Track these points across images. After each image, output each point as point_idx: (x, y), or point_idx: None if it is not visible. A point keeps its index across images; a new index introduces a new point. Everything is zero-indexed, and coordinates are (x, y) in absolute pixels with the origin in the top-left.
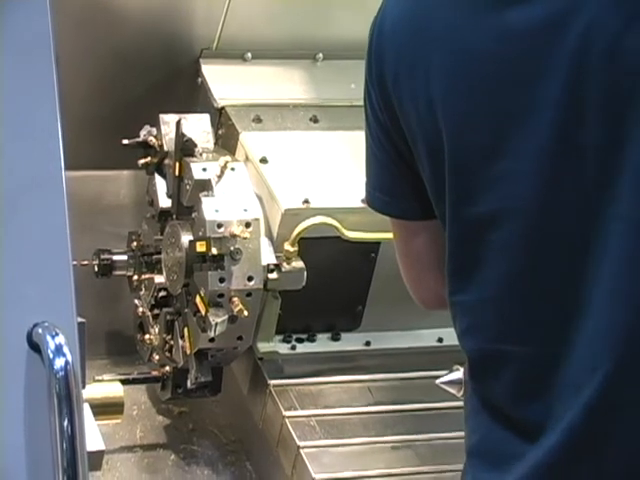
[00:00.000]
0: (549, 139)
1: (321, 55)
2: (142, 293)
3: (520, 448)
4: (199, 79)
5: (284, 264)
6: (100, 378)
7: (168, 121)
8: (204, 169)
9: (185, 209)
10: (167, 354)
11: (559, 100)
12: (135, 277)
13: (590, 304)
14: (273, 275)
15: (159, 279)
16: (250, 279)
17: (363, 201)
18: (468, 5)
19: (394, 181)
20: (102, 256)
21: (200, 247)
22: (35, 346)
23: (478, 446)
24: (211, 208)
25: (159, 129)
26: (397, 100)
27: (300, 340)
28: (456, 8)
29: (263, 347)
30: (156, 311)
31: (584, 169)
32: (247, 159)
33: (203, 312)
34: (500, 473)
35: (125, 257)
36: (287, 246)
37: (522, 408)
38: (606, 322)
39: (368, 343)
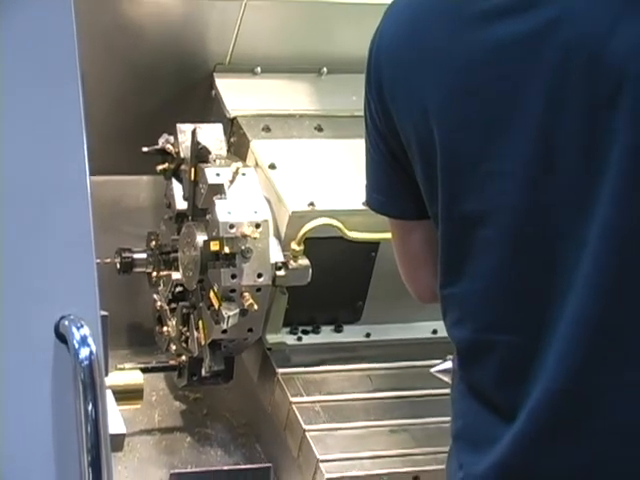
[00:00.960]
0: (532, 143)
1: (325, 69)
2: (160, 288)
3: (498, 430)
4: (213, 91)
5: (291, 262)
6: (122, 367)
7: (184, 130)
8: (217, 174)
9: (200, 211)
10: (183, 345)
11: (542, 106)
12: (154, 274)
13: (567, 297)
14: (281, 272)
15: (176, 276)
16: (260, 276)
17: (364, 203)
18: (457, 22)
19: (391, 183)
20: (123, 254)
21: (214, 246)
22: (62, 337)
23: (462, 430)
24: (224, 210)
25: (176, 138)
26: (394, 109)
27: (306, 332)
28: (446, 25)
29: (271, 338)
30: (173, 305)
31: (565, 172)
32: (257, 165)
33: (216, 306)
34: (480, 454)
35: (144, 255)
36: (294, 245)
37: (503, 393)
38: (579, 313)
39: (368, 335)
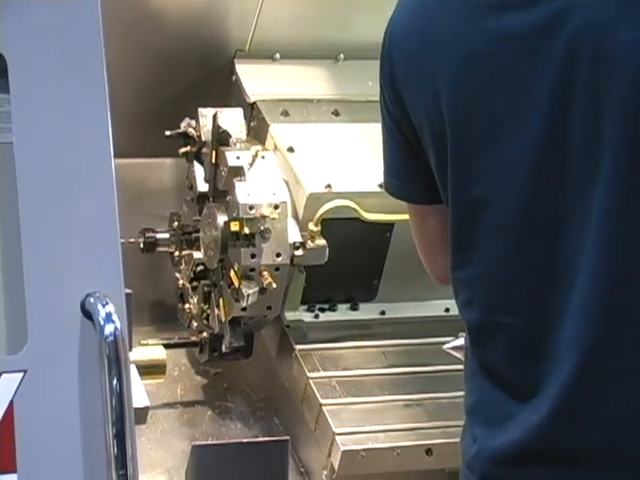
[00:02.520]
0: (539, 133)
1: (342, 56)
2: (182, 267)
3: (511, 408)
4: (233, 77)
5: (308, 242)
6: (145, 342)
7: (206, 114)
8: (238, 157)
9: (220, 193)
10: (204, 321)
11: (549, 96)
12: (176, 253)
13: (573, 281)
14: (299, 252)
15: (197, 255)
16: (278, 255)
17: (381, 186)
18: (468, 12)
19: (406, 169)
20: (147, 234)
21: (234, 227)
22: (87, 314)
23: (475, 405)
24: (244, 192)
25: (198, 122)
26: (407, 96)
27: (322, 310)
28: (457, 15)
29: (290, 316)
30: (195, 283)
31: (569, 162)
32: (276, 148)
33: (236, 284)
34: (494, 430)
35: (167, 235)
36: (311, 226)
37: (514, 373)
38: (586, 297)
39: (383, 312)
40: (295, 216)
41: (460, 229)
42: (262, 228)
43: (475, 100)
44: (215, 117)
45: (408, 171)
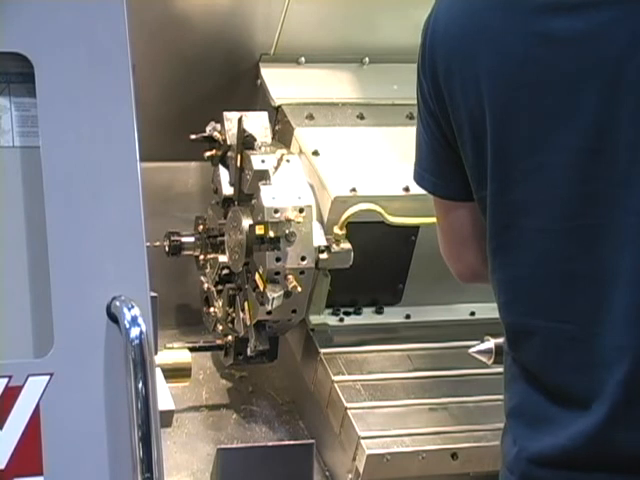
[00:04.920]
0: (587, 138)
1: (367, 59)
2: (207, 271)
3: (554, 412)
4: (259, 81)
5: (333, 245)
6: (170, 346)
7: (231, 118)
8: (263, 161)
9: (246, 196)
10: (229, 325)
11: (598, 103)
12: (201, 256)
13: (614, 287)
14: (324, 255)
15: (222, 258)
16: (303, 259)
17: (407, 189)
18: (515, 12)
19: (441, 165)
20: (172, 238)
21: (259, 230)
22: (113, 317)
23: (516, 408)
24: (269, 195)
25: (223, 125)
26: (447, 91)
27: (347, 313)
28: (504, 14)
29: (314, 319)
30: (220, 287)
31: (614, 167)
32: (301, 152)
33: (261, 288)
34: (537, 432)
35: (192, 239)
36: (336, 229)
37: (554, 378)
38: (629, 304)
39: (408, 316)
40: (320, 219)
41: (500, 231)
42: (287, 232)
43: (520, 103)
44: (240, 121)
45: (443, 167)
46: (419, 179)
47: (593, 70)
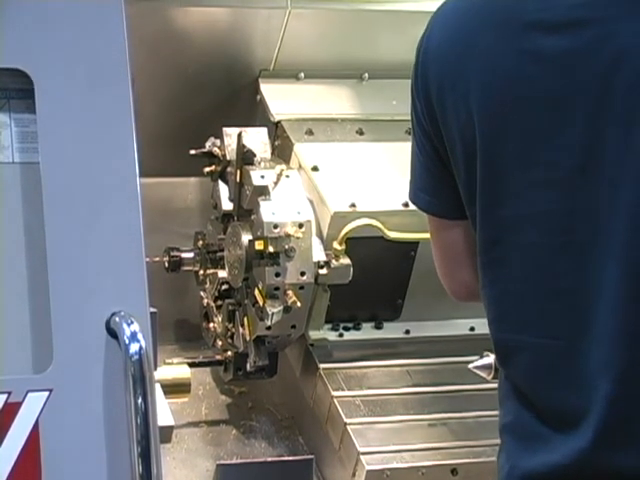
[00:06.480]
0: (572, 156)
1: (366, 75)
2: (207, 286)
3: (545, 430)
4: (258, 96)
5: (333, 261)
6: (170, 361)
7: (230, 133)
8: (262, 176)
9: (245, 212)
10: (229, 340)
11: (583, 120)
12: (201, 272)
13: (600, 303)
14: (323, 271)
15: (222, 274)
16: (303, 274)
17: (406, 205)
18: (506, 30)
19: (435, 183)
20: (172, 253)
21: (258, 245)
22: (113, 333)
23: (509, 426)
24: (268, 211)
25: (222, 141)
26: (440, 110)
27: (347, 328)
28: (495, 32)
29: (314, 334)
30: (219, 302)
31: (600, 184)
32: (300, 167)
33: (261, 303)
34: (528, 450)
35: (192, 254)
36: (335, 245)
37: (543, 395)
38: (614, 320)
39: (407, 331)
40: (319, 235)
41: (489, 247)
42: (286, 247)
43: (508, 119)
44: (240, 136)
45: (437, 185)
46: (414, 197)
47: (579, 87)
